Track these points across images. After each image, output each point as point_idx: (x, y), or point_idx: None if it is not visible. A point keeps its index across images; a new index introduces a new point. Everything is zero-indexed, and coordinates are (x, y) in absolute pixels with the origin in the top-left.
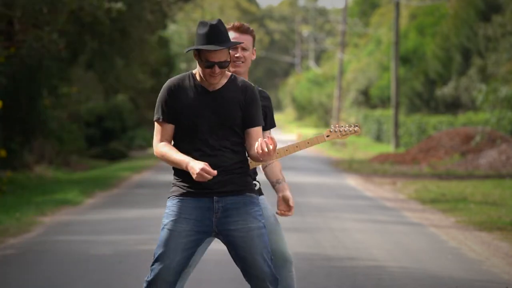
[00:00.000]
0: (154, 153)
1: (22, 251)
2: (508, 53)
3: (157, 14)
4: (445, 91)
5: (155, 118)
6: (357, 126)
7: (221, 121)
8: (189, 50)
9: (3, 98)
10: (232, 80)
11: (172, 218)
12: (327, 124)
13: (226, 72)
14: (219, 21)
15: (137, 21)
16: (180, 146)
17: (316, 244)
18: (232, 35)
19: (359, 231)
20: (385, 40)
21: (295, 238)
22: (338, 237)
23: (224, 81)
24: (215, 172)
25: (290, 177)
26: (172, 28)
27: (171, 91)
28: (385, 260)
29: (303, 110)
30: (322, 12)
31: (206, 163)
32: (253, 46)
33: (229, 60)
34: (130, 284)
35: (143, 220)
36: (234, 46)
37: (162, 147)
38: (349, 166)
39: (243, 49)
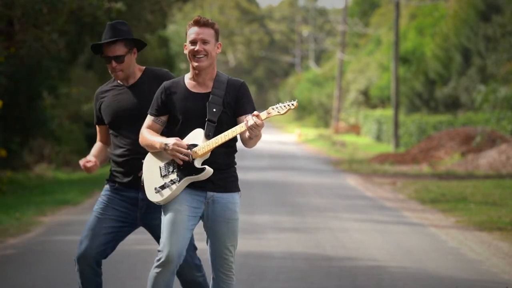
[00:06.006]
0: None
1: (22, 251)
2: (508, 53)
3: (157, 14)
4: (445, 91)
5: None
6: (294, 101)
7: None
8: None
9: (3, 98)
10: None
11: (101, 206)
12: (327, 124)
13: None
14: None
15: (137, 21)
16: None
17: (316, 244)
18: (193, 29)
19: (359, 231)
20: (385, 40)
21: (295, 238)
22: (338, 237)
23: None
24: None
25: (290, 177)
26: (172, 28)
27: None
28: (385, 260)
29: (303, 110)
30: (322, 12)
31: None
32: (217, 40)
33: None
34: (130, 284)
35: None
36: (194, 40)
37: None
38: (349, 166)
39: (204, 42)
